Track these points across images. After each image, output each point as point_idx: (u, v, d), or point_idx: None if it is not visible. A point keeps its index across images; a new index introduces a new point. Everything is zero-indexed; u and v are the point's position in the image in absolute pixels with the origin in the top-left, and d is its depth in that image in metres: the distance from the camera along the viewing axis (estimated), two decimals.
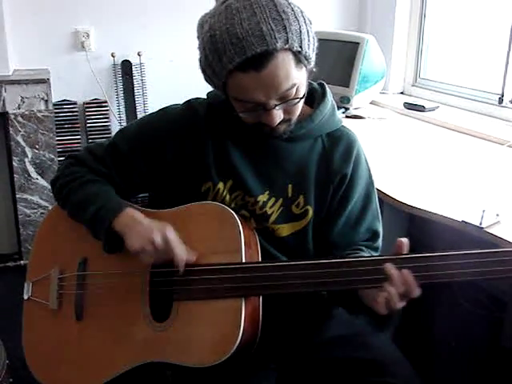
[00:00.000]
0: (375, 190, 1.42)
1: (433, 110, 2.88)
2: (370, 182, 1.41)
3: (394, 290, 1.13)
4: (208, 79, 1.23)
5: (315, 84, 1.39)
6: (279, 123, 1.22)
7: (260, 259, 1.28)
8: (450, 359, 2.30)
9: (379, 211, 1.42)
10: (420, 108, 2.87)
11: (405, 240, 1.17)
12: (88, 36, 3.13)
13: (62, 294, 1.39)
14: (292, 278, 1.21)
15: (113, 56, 3.18)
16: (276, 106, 1.18)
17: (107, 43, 3.18)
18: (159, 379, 1.37)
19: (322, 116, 1.35)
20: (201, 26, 1.20)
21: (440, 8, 3.19)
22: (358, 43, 2.84)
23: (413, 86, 3.34)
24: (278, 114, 1.20)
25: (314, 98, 1.37)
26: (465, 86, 2.98)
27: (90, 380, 1.34)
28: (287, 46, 1.12)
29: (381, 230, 1.42)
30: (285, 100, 1.19)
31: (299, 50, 1.15)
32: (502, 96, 2.69)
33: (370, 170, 1.41)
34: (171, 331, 1.26)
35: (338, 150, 1.36)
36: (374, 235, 1.41)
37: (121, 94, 3.24)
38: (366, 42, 2.83)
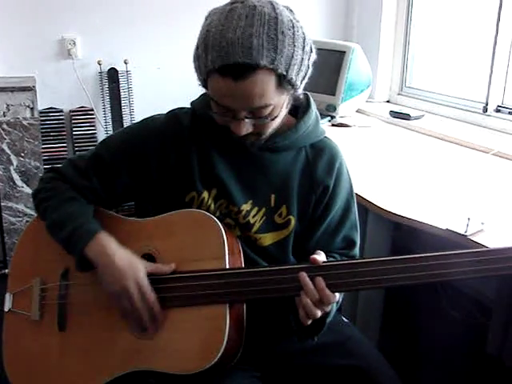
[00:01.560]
0: (355, 201, 1.43)
1: (418, 118, 2.90)
2: (351, 193, 1.41)
3: (309, 299, 1.16)
4: (195, 70, 1.23)
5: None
6: (248, 135, 1.23)
7: (243, 266, 1.28)
8: (436, 366, 2.30)
9: (358, 221, 1.43)
10: (406, 116, 2.89)
11: (318, 257, 1.20)
12: (74, 44, 3.12)
13: (44, 304, 1.38)
14: (275, 282, 1.22)
15: (99, 64, 3.18)
16: (246, 118, 1.18)
17: (94, 51, 3.17)
18: None
19: (306, 127, 1.34)
20: (206, 18, 1.19)
21: (425, 17, 3.22)
22: (344, 52, 2.86)
23: (398, 94, 3.36)
24: (246, 126, 1.20)
25: (298, 108, 1.37)
26: (450, 94, 3.01)
27: None
28: (272, 66, 1.11)
29: (358, 239, 1.43)
30: (255, 116, 1.19)
31: (284, 74, 1.13)
32: (487, 105, 2.71)
33: (351, 182, 1.42)
34: (155, 339, 1.25)
35: (321, 162, 1.36)
36: (351, 244, 1.41)
37: (107, 101, 3.23)
38: (352, 51, 2.85)
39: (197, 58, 1.19)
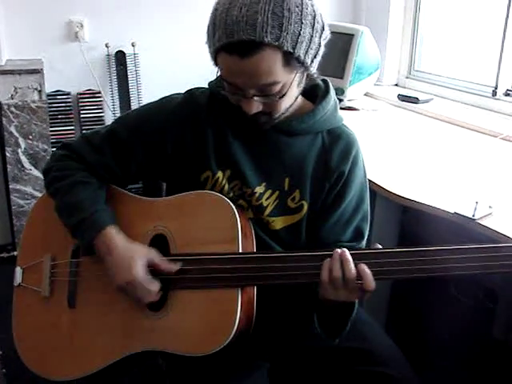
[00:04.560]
0: (368, 192, 1.41)
1: (427, 102, 2.88)
2: (365, 184, 1.39)
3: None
4: (208, 50, 1.23)
5: (319, 80, 1.37)
6: (259, 114, 1.22)
7: (255, 249, 1.28)
8: (443, 350, 2.31)
9: (369, 213, 1.41)
10: (414, 100, 2.87)
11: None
12: (82, 26, 3.10)
13: (54, 280, 1.39)
14: (291, 268, 1.22)
15: (107, 46, 3.17)
16: (254, 96, 1.18)
17: (101, 34, 3.15)
18: (152, 368, 1.38)
19: (324, 112, 1.34)
20: None
21: (434, 0, 3.19)
22: (352, 35, 2.84)
23: (407, 77, 3.34)
24: (256, 105, 1.20)
25: (316, 93, 1.36)
26: (459, 78, 2.99)
27: (82, 369, 1.34)
28: (277, 43, 1.11)
29: (367, 231, 1.41)
30: (264, 94, 1.18)
31: (290, 51, 1.13)
32: (496, 88, 2.70)
33: (365, 172, 1.40)
34: (166, 320, 1.26)
35: (338, 148, 1.35)
36: (360, 236, 1.39)
37: (115, 84, 3.23)
38: (361, 34, 2.83)
39: (207, 37, 1.19)
